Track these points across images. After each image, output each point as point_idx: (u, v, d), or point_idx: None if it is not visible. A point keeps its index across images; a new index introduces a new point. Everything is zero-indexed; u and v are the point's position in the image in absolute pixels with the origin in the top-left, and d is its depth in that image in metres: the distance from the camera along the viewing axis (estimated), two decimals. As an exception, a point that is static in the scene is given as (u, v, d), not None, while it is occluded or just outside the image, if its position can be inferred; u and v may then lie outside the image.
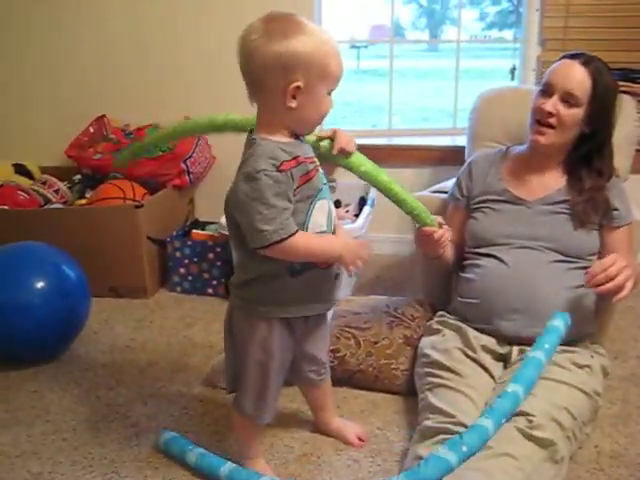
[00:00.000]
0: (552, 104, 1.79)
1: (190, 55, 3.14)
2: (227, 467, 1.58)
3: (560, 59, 1.86)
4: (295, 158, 1.38)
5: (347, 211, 2.98)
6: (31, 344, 2.13)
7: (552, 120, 1.80)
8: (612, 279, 1.58)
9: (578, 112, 1.79)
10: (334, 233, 1.51)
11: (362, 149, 3.21)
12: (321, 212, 1.45)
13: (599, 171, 1.84)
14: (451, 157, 2.87)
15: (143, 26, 3.14)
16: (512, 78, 3.20)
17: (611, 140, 1.87)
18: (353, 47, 15.99)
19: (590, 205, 1.81)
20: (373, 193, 2.92)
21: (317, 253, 1.44)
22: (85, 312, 2.28)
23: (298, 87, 1.32)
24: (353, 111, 9.81)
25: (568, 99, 1.78)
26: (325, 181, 1.49)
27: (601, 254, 1.83)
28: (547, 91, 1.82)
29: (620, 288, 1.59)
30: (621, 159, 2.05)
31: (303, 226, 1.41)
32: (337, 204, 3.10)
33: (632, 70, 2.86)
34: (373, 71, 13.78)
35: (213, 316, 2.56)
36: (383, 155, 3.18)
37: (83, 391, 2.04)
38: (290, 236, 1.35)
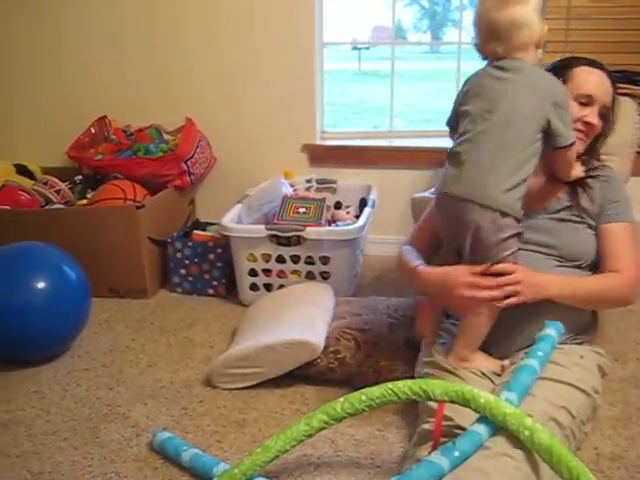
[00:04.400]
0: (594, 116, 1.80)
1: (191, 56, 3.15)
2: (221, 467, 1.57)
3: (577, 65, 1.85)
4: None
5: (348, 212, 2.99)
6: (31, 344, 2.13)
7: (594, 129, 1.82)
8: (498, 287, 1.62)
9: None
10: None
11: (364, 151, 3.25)
12: None
13: (590, 159, 1.88)
14: (452, 159, 2.87)
15: (146, 28, 3.14)
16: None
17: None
18: (355, 49, 16.03)
19: (586, 189, 1.82)
20: (374, 194, 2.93)
21: None
22: (85, 312, 2.29)
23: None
24: (354, 112, 9.83)
25: (602, 111, 1.81)
26: None
27: (599, 257, 1.81)
28: (587, 103, 1.80)
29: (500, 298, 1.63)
30: (622, 161, 2.05)
31: None
32: (338, 205, 3.11)
33: (633, 72, 2.87)
34: (374, 73, 13.82)
35: (213, 317, 2.57)
36: (384, 157, 3.19)
37: (83, 391, 2.04)
38: None
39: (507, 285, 1.62)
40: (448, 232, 1.73)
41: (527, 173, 1.60)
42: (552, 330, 1.65)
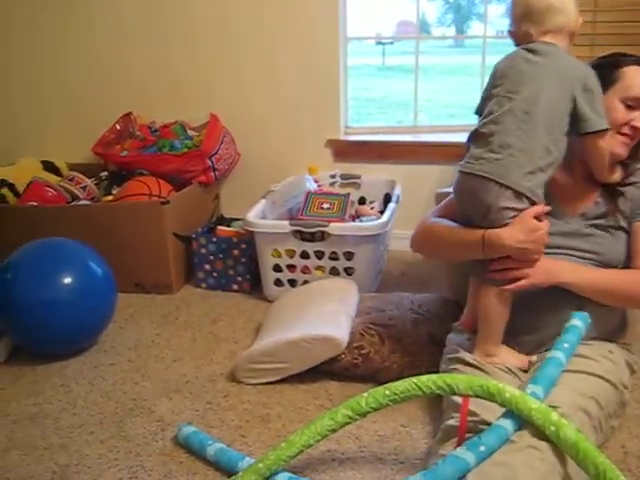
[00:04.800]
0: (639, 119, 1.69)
1: (215, 52, 3.16)
2: (246, 462, 1.58)
3: (626, 64, 1.71)
4: None
5: (372, 207, 2.98)
6: (58, 339, 2.16)
7: (634, 133, 1.71)
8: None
9: None
10: None
11: (388, 146, 3.24)
12: None
13: (632, 162, 1.78)
14: (477, 154, 2.85)
15: (167, 25, 3.16)
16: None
17: None
18: (379, 43, 15.99)
19: (624, 193, 1.74)
20: (398, 189, 2.92)
21: None
22: (111, 307, 2.31)
23: None
24: (378, 107, 9.80)
25: None
26: None
27: (629, 255, 1.74)
28: (635, 106, 1.69)
29: (508, 280, 1.63)
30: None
31: None
32: (362, 201, 3.10)
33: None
34: (399, 67, 13.77)
35: (238, 312, 2.58)
36: (408, 152, 3.18)
37: (109, 385, 2.06)
38: None
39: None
40: (465, 213, 1.70)
41: (552, 158, 1.58)
42: (578, 321, 1.62)
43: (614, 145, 1.70)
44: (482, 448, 1.37)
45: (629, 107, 1.70)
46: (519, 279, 1.63)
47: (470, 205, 1.65)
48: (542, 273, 1.63)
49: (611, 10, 2.90)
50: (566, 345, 1.57)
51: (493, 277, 1.65)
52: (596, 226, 1.74)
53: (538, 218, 1.60)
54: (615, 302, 1.75)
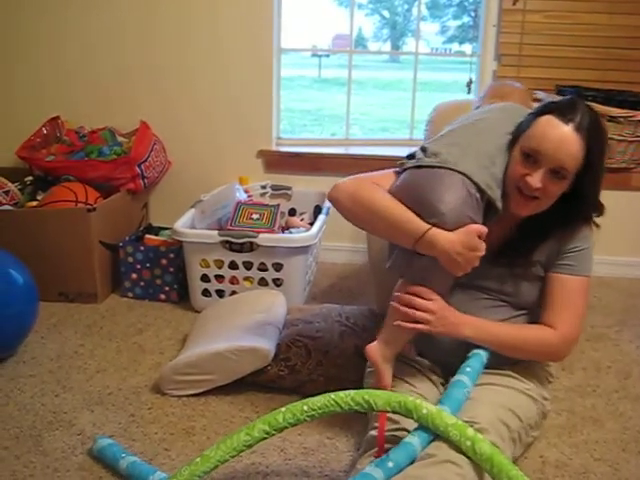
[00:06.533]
0: (539, 179, 1.53)
1: (148, 59, 3.11)
2: (157, 476, 1.56)
3: (547, 110, 1.56)
4: None
5: (302, 219, 2.99)
6: (-25, 349, 2.08)
7: (537, 193, 1.55)
8: (412, 307, 1.57)
9: (566, 182, 1.56)
10: None
11: (319, 158, 3.25)
12: None
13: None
14: (407, 168, 2.89)
15: (98, 30, 3.10)
16: (468, 91, 3.25)
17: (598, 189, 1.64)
18: (315, 56, 16.09)
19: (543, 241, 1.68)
20: (328, 202, 2.93)
21: None
22: (32, 317, 2.24)
23: None
24: (313, 119, 9.84)
25: (557, 172, 1.53)
26: None
27: (541, 305, 1.69)
28: (534, 159, 1.54)
29: (410, 319, 1.57)
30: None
31: None
32: (292, 212, 3.11)
33: (583, 88, 2.93)
34: (335, 80, 13.88)
35: (164, 322, 2.53)
36: (339, 164, 3.20)
37: (27, 398, 1.99)
38: None
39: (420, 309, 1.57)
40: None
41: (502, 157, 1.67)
42: (480, 350, 1.65)
43: (513, 200, 1.61)
44: (390, 464, 1.39)
45: (528, 160, 1.56)
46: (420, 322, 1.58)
47: (416, 201, 1.57)
48: (442, 326, 1.58)
49: (536, 34, 3.02)
50: (468, 369, 1.59)
51: (397, 310, 1.59)
52: (512, 271, 1.69)
53: (480, 237, 1.52)
54: (518, 356, 1.71)
